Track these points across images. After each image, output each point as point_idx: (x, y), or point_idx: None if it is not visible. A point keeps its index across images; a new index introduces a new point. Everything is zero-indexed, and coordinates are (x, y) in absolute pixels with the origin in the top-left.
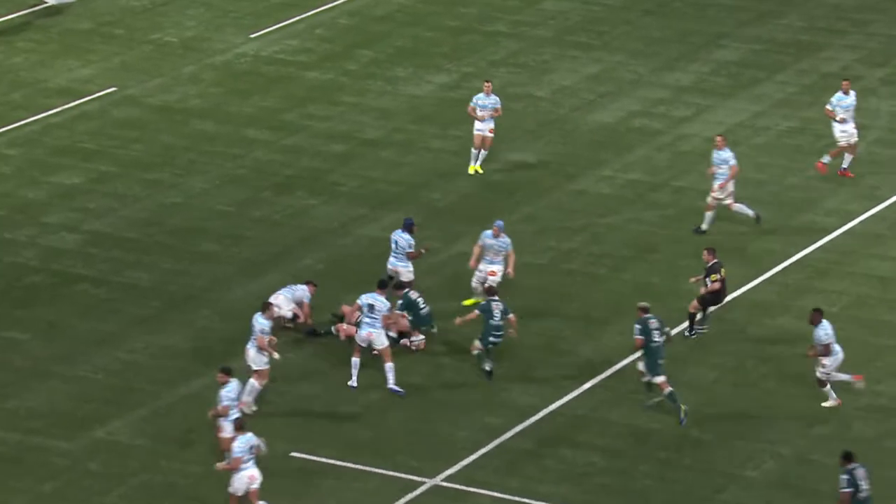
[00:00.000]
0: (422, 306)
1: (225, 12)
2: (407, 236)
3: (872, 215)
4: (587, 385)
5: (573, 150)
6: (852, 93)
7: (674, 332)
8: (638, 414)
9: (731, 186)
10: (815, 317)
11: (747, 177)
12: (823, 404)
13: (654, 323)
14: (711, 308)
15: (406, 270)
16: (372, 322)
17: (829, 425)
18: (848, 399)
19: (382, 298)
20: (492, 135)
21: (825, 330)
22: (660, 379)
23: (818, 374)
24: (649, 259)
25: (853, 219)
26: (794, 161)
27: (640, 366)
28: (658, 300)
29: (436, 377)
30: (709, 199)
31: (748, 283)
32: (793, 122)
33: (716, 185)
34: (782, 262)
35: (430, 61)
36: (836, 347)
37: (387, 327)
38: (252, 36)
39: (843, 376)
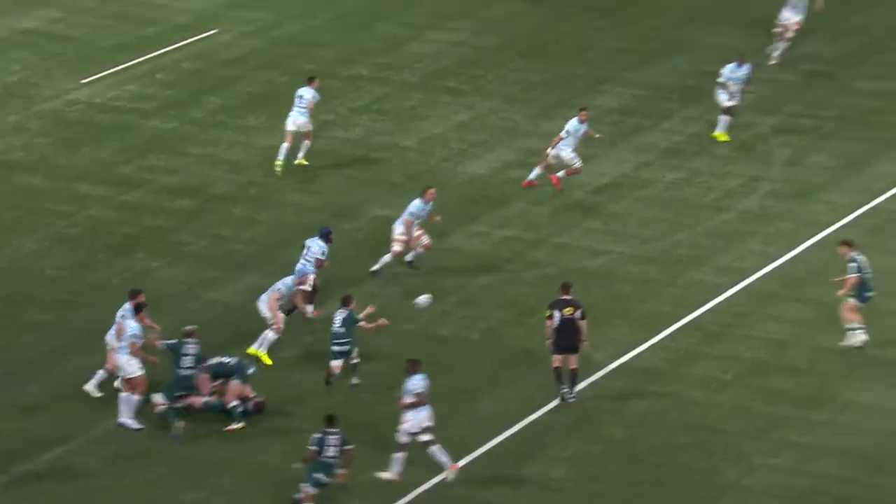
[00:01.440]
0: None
1: (53, 55)
2: (322, 243)
3: (767, 273)
4: (462, 463)
5: (444, 203)
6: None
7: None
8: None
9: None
10: (410, 367)
11: (632, 233)
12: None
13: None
14: (557, 357)
15: (312, 277)
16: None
17: (724, 501)
18: (739, 472)
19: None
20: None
21: (416, 382)
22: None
23: (399, 437)
24: (526, 323)
25: (746, 277)
26: (683, 215)
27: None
28: (538, 367)
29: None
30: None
31: (635, 348)
32: (680, 172)
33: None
34: (671, 324)
35: (286, 109)
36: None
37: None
38: (84, 81)
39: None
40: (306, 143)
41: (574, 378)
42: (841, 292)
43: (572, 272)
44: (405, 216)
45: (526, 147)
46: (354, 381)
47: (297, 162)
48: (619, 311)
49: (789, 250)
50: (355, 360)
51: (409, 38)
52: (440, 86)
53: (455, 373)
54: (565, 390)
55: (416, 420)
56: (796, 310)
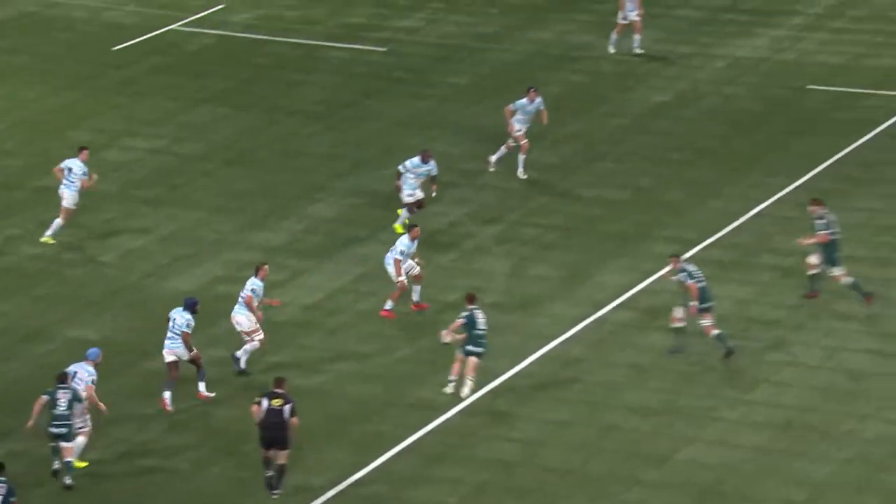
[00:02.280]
0: None
1: None
2: (188, 315)
3: (491, 390)
4: None
5: (147, 324)
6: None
7: None
8: None
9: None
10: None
11: (350, 350)
12: None
13: None
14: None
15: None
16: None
17: None
18: None
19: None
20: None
21: None
22: None
23: None
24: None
25: (470, 395)
26: (405, 330)
27: None
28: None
29: None
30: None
31: (353, 473)
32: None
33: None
34: (393, 446)
35: None
36: None
37: None
38: None
39: None
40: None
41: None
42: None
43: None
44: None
45: (235, 259)
46: None
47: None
48: (337, 433)
49: (513, 365)
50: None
51: (103, 146)
52: (139, 196)
53: None
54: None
55: None
56: (523, 428)
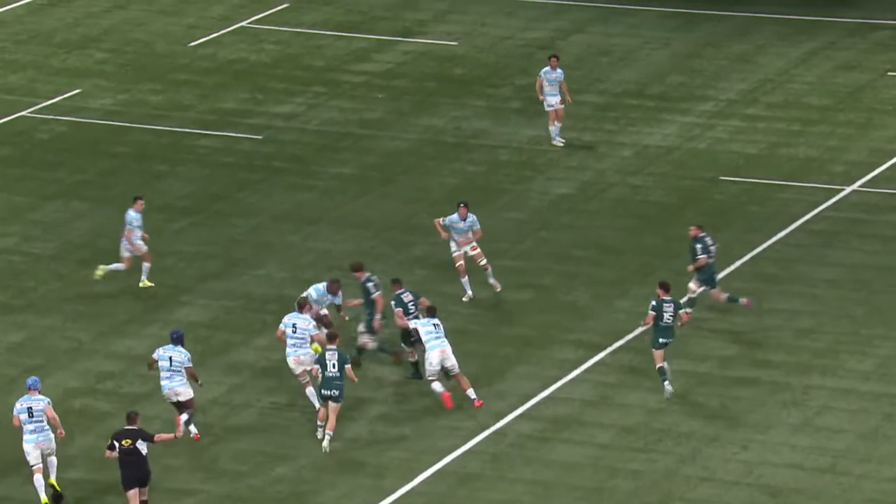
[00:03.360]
0: None
1: None
2: (183, 351)
3: None
4: None
5: None
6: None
7: None
8: None
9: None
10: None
11: (224, 468)
12: None
13: None
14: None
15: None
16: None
17: None
18: None
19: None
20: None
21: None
22: None
23: None
24: None
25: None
26: (284, 446)
27: None
28: None
29: None
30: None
31: None
32: (279, 395)
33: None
34: None
35: None
36: None
37: None
38: None
39: None
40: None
41: None
42: None
43: None
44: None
45: (94, 370)
46: None
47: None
48: None
49: (403, 484)
50: None
51: None
52: None
53: None
54: None
55: None
56: None
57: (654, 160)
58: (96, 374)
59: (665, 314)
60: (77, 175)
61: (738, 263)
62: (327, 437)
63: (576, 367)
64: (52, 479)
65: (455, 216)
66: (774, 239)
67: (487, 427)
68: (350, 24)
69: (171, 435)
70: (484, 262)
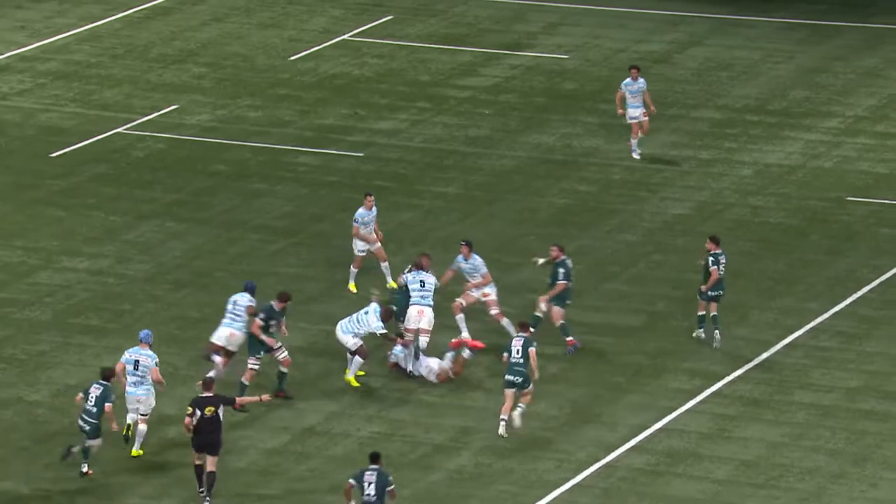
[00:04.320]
0: None
1: None
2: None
3: None
4: None
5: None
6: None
7: None
8: None
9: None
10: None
11: (323, 502)
12: None
13: None
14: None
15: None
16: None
17: None
18: None
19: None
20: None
21: None
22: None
23: None
24: None
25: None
26: (393, 468)
27: None
28: None
29: None
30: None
31: None
32: (379, 425)
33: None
34: None
35: None
36: None
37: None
38: None
39: None
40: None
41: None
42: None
43: None
44: None
45: (189, 397)
46: None
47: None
48: None
49: None
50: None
51: (36, 267)
52: (77, 325)
53: None
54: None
55: None
56: None
57: (776, 180)
58: (190, 400)
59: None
60: (173, 194)
61: (866, 289)
62: (502, 423)
63: (691, 398)
64: (136, 451)
65: (460, 257)
66: None
67: (598, 460)
68: (456, 36)
69: (256, 398)
70: (496, 311)
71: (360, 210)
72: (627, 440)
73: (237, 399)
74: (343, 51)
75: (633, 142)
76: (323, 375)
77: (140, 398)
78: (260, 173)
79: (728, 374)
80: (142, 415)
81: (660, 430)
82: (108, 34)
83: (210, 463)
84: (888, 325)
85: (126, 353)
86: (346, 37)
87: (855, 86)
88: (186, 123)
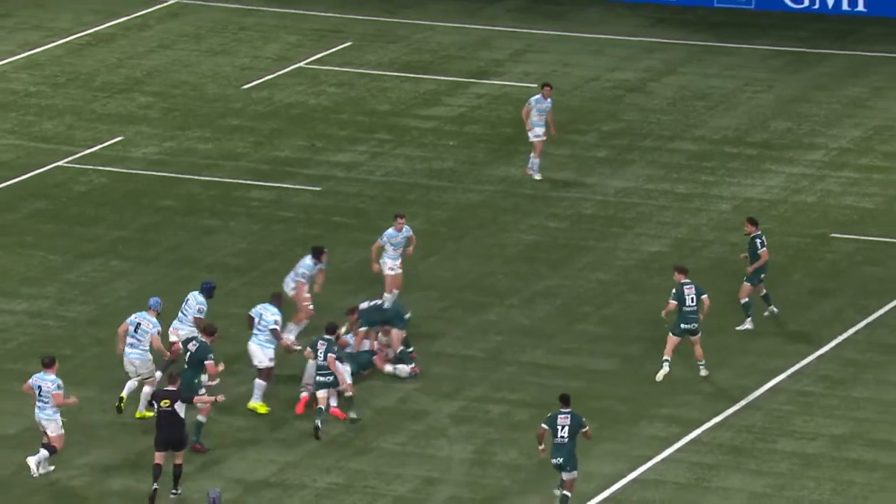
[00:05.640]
0: None
1: None
2: (201, 298)
3: None
4: None
5: None
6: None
7: None
8: None
9: None
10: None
11: None
12: None
13: None
14: None
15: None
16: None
17: None
18: None
19: None
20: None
21: None
22: None
23: None
24: None
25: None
26: None
27: None
28: None
29: None
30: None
31: None
32: (337, 476)
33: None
34: None
35: None
36: None
37: None
38: None
39: None
40: None
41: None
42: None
43: None
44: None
45: (134, 448)
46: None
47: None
48: None
49: None
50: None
51: None
52: (15, 371)
53: None
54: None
55: None
56: None
57: (757, 215)
58: (136, 452)
59: (687, 299)
60: (117, 231)
61: (851, 331)
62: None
63: (668, 446)
64: (141, 412)
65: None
66: (893, 304)
67: None
68: (418, 64)
69: (213, 398)
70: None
71: (390, 230)
72: (601, 491)
73: (195, 398)
74: (299, 79)
75: (535, 161)
76: (278, 424)
77: (133, 361)
78: (211, 209)
79: (707, 421)
80: (146, 379)
81: (634, 480)
82: (49, 61)
83: (177, 456)
84: (875, 368)
85: (133, 314)
86: (302, 64)
87: (839, 116)
88: (132, 156)
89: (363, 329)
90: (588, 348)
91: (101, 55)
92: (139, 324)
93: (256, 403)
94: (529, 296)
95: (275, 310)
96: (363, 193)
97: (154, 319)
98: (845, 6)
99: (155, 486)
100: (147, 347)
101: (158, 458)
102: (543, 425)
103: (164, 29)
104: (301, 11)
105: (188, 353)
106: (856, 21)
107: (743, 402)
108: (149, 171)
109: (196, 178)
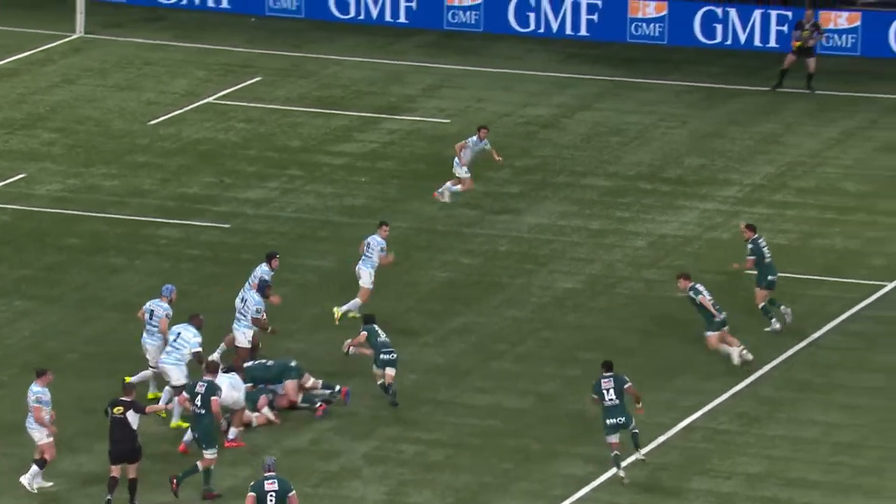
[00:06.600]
0: None
1: None
2: (257, 297)
3: None
4: None
5: None
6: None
7: None
8: None
9: None
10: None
11: None
12: None
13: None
14: None
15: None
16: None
17: None
18: None
19: None
20: None
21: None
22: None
23: None
24: None
25: None
26: None
27: None
28: None
29: None
30: None
31: None
32: None
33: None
34: None
35: None
36: None
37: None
38: None
39: None
40: None
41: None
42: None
43: None
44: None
45: (38, 496)
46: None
47: None
48: None
49: None
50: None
51: None
52: None
53: None
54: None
55: None
56: None
57: (671, 251)
58: (41, 499)
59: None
60: (20, 270)
61: (767, 368)
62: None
63: (584, 485)
64: (176, 421)
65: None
66: (808, 341)
67: None
68: (329, 99)
69: (162, 406)
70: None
71: (377, 238)
72: None
73: (146, 408)
74: (207, 114)
75: (454, 188)
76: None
77: (148, 349)
78: (117, 247)
79: (623, 460)
80: (174, 387)
81: None
82: None
83: (129, 470)
84: (790, 406)
85: (147, 302)
86: (210, 99)
87: (752, 152)
88: (35, 193)
89: (249, 384)
90: (503, 386)
91: (3, 90)
92: (153, 311)
93: (178, 420)
94: (444, 334)
95: (195, 331)
96: (273, 230)
97: (165, 305)
98: (757, 42)
99: (108, 497)
100: (158, 333)
101: (114, 470)
102: (593, 395)
103: (67, 64)
104: (209, 46)
105: (199, 396)
106: (768, 57)
107: (658, 441)
108: (53, 208)
109: (101, 215)
